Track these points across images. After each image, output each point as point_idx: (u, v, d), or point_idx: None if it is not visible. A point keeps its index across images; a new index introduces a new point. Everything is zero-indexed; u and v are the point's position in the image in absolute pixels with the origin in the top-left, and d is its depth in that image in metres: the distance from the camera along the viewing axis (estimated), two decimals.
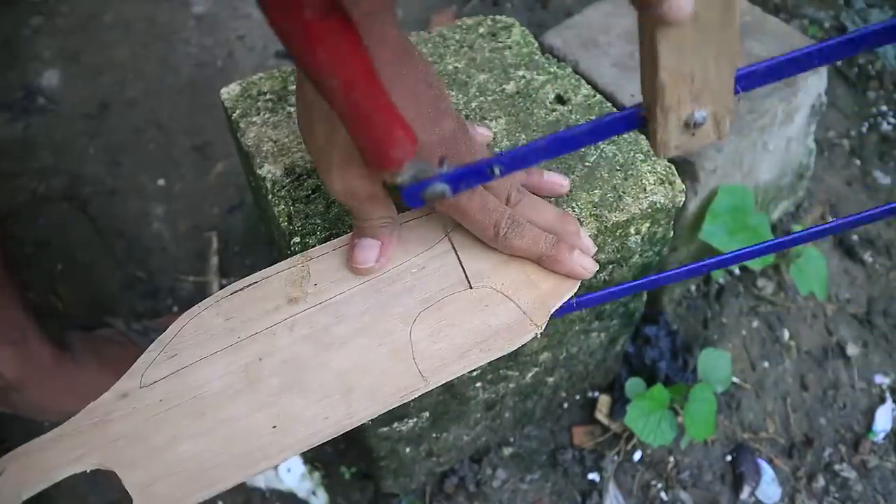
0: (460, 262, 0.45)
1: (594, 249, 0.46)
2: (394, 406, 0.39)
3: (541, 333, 0.42)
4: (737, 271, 0.93)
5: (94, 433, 0.39)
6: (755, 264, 0.79)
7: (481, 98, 0.59)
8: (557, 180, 0.51)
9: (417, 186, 0.36)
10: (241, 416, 0.38)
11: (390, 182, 0.36)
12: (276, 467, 0.79)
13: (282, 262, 0.45)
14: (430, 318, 0.43)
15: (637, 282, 0.47)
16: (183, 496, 0.36)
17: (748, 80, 0.30)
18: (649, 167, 0.53)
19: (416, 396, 0.40)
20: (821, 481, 0.79)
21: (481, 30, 0.65)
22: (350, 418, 0.38)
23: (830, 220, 0.98)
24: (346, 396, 0.39)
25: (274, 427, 0.38)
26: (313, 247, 0.47)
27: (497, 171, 0.35)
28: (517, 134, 0.56)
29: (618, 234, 0.52)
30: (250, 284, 0.44)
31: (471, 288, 0.44)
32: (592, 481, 0.78)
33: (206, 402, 0.39)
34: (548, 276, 0.44)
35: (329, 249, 0.46)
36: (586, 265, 0.44)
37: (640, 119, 0.32)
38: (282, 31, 0.29)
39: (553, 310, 0.43)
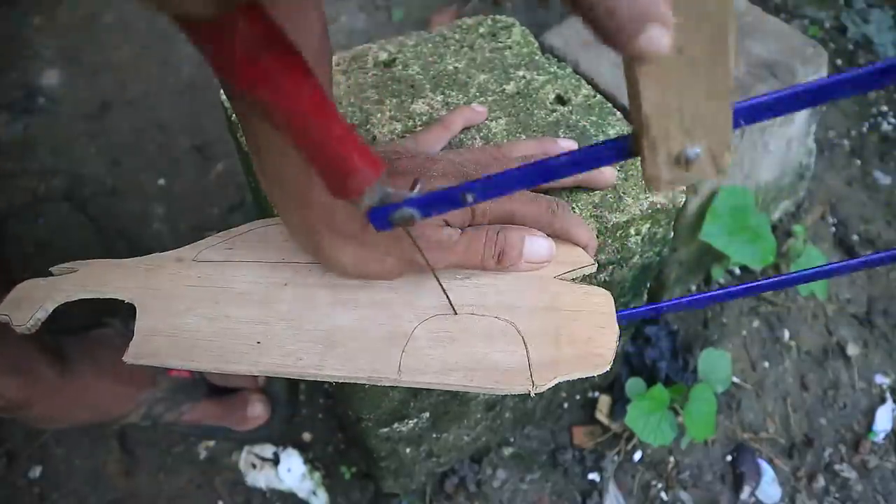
0: (498, 290, 0.44)
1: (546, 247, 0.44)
2: (358, 381, 0.41)
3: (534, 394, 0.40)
4: (737, 271, 0.93)
5: (143, 276, 0.45)
6: (755, 263, 0.79)
7: (481, 98, 0.59)
8: (569, 144, 0.52)
9: (384, 209, 0.34)
10: (241, 320, 0.42)
11: (357, 207, 0.34)
12: (276, 464, 0.79)
13: None
14: (441, 324, 0.42)
15: (673, 301, 0.46)
16: (167, 356, 0.41)
17: (750, 114, 0.28)
18: None
19: (382, 385, 0.41)
20: (821, 481, 0.79)
21: (481, 30, 0.65)
22: (318, 370, 0.41)
23: (831, 219, 0.98)
24: (325, 350, 0.41)
25: (258, 343, 0.41)
26: None
27: (470, 198, 0.33)
28: (517, 134, 0.56)
29: (618, 234, 0.52)
30: None
31: (496, 318, 0.42)
32: (592, 481, 0.78)
33: (225, 295, 0.44)
34: (575, 342, 0.41)
35: None
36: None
37: (628, 150, 0.29)
38: (219, 70, 0.28)
39: (558, 381, 0.40)
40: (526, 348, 0.41)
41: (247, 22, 0.26)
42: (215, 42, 0.27)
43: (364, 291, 0.44)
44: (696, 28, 0.24)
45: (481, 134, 0.56)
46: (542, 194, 0.47)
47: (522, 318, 0.42)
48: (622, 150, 0.29)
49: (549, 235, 0.45)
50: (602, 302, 0.43)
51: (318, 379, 0.42)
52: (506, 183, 0.33)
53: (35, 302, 0.45)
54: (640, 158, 0.29)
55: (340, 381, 0.42)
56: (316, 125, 0.30)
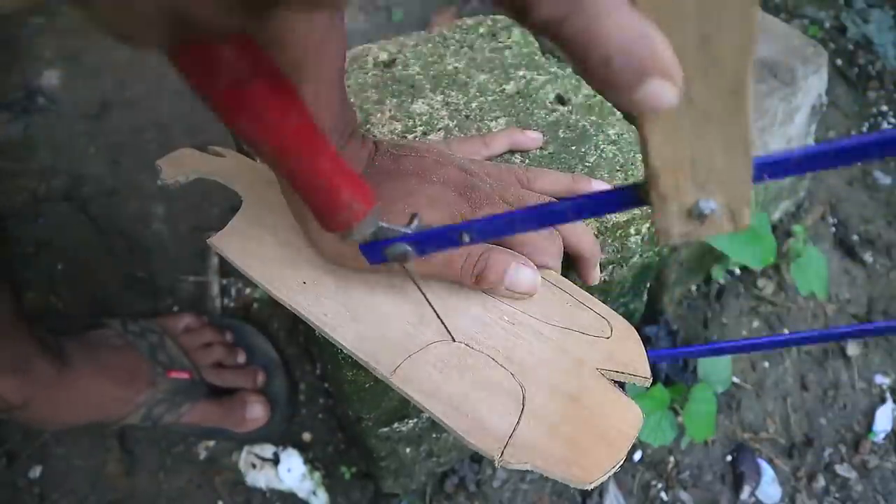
0: (531, 350, 0.41)
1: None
2: (357, 360, 0.42)
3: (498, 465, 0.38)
4: (737, 271, 0.93)
5: (265, 184, 0.49)
6: (755, 263, 0.79)
7: (481, 98, 0.59)
8: (605, 189, 0.50)
9: (377, 245, 0.33)
10: (302, 258, 0.45)
11: (347, 239, 0.32)
12: (276, 464, 0.79)
13: None
14: (458, 352, 0.41)
15: (704, 346, 0.46)
16: (236, 253, 0.46)
17: (775, 169, 0.25)
18: None
19: (375, 374, 0.42)
20: (821, 481, 0.79)
21: (481, 30, 0.65)
22: (332, 331, 0.43)
23: (831, 219, 0.98)
24: (349, 320, 0.43)
25: (304, 283, 0.45)
26: None
27: (467, 238, 0.32)
28: None
29: (618, 234, 0.52)
30: None
31: (512, 375, 0.41)
32: None
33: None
34: (571, 444, 0.38)
35: None
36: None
37: (638, 199, 0.27)
38: (202, 97, 0.26)
39: (529, 469, 0.38)
40: (519, 421, 0.39)
41: (233, 51, 0.24)
42: (198, 72, 0.25)
43: (413, 286, 0.43)
44: (710, 79, 0.22)
45: (480, 134, 0.56)
46: None
47: (537, 391, 0.40)
48: (632, 198, 0.27)
49: (549, 254, 0.44)
50: (628, 419, 0.39)
51: (328, 338, 0.43)
52: (505, 227, 0.31)
53: (184, 167, 0.51)
54: (651, 211, 0.27)
55: (344, 349, 0.43)
56: (304, 159, 0.28)
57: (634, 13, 0.19)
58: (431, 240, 0.33)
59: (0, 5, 0.23)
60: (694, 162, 0.24)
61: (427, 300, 0.40)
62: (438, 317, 0.41)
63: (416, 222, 0.33)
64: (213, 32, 0.21)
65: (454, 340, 0.42)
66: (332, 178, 0.29)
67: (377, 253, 0.34)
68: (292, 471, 0.79)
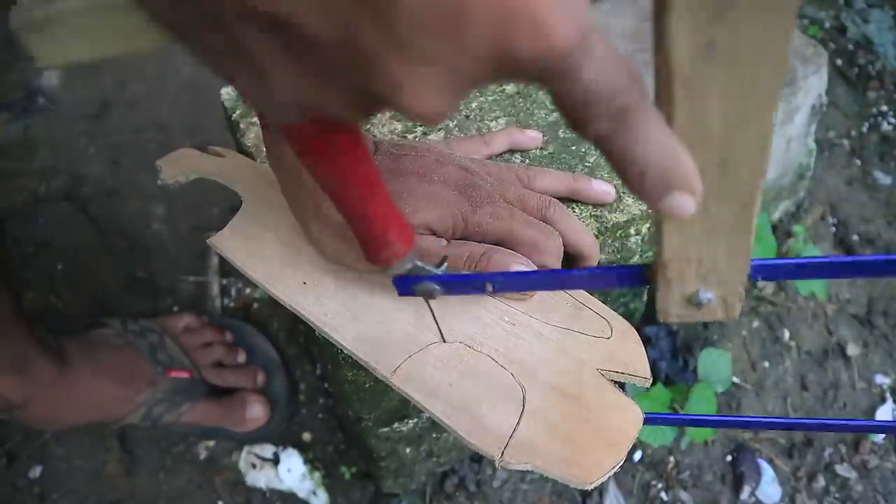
0: (532, 351, 0.42)
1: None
2: (357, 360, 0.42)
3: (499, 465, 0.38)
4: None
5: (266, 184, 0.49)
6: None
7: (481, 98, 0.59)
8: (606, 188, 0.50)
9: (408, 278, 0.36)
10: (302, 258, 0.45)
11: (385, 274, 0.36)
12: (276, 464, 0.79)
13: None
14: (459, 353, 0.41)
15: (720, 418, 0.49)
16: (236, 251, 0.46)
17: (770, 273, 0.29)
18: None
19: (375, 374, 0.42)
20: (821, 481, 0.79)
21: None
22: (332, 331, 0.43)
23: (831, 219, 0.98)
24: (349, 320, 0.43)
25: (304, 283, 0.45)
26: None
27: (490, 287, 0.35)
28: None
29: (618, 234, 0.52)
30: None
31: (512, 375, 0.41)
32: None
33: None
34: (570, 443, 0.38)
35: None
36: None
37: (644, 279, 0.30)
38: (288, 140, 0.29)
39: (529, 468, 0.38)
40: (519, 421, 0.39)
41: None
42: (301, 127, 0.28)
43: None
44: (724, 195, 0.25)
45: (480, 134, 0.56)
46: (541, 221, 0.45)
47: (537, 390, 0.40)
48: (639, 277, 0.30)
49: (550, 254, 0.44)
50: (628, 419, 0.39)
51: (328, 338, 0.43)
52: (525, 282, 0.35)
53: (184, 167, 0.51)
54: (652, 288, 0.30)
55: (344, 349, 0.43)
56: (362, 199, 0.31)
57: (668, 132, 0.23)
58: (458, 284, 0.36)
59: (103, 53, 0.26)
60: (700, 260, 0.28)
61: (427, 303, 0.40)
62: (435, 320, 0.41)
63: (444, 265, 0.36)
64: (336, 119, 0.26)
65: (444, 341, 0.42)
66: (385, 219, 0.32)
67: (407, 286, 0.36)
68: (292, 471, 0.79)
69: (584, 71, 0.21)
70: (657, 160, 0.23)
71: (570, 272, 0.34)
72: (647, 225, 0.53)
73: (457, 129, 0.57)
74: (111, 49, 0.24)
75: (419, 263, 0.35)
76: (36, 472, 0.79)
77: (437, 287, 0.36)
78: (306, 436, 0.83)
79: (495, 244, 0.43)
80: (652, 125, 0.23)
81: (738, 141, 0.23)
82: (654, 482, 0.79)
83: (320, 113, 0.24)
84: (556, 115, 0.58)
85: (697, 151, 0.23)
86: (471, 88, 0.22)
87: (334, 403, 0.83)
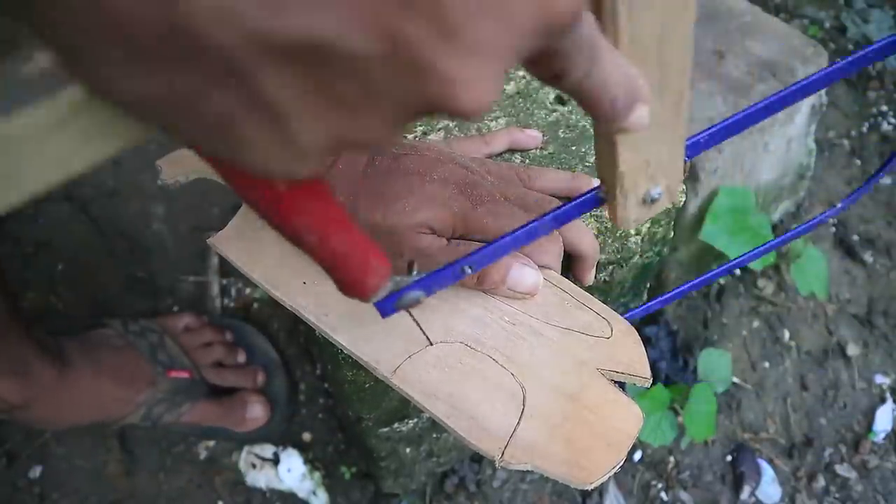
0: (532, 351, 0.42)
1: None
2: (357, 359, 0.42)
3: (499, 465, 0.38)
4: (737, 271, 0.93)
5: None
6: (756, 264, 0.79)
7: None
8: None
9: (389, 299, 0.35)
10: (303, 261, 0.44)
11: (366, 302, 0.34)
12: (276, 464, 0.79)
13: None
14: (460, 353, 0.41)
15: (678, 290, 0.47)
16: (238, 254, 0.46)
17: (693, 150, 0.34)
18: None
19: (375, 374, 0.42)
20: (821, 481, 0.79)
21: None
22: (332, 331, 0.43)
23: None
24: (347, 321, 0.43)
25: (304, 283, 0.45)
26: None
27: (469, 269, 0.35)
28: None
29: (618, 234, 0.52)
30: None
31: (512, 375, 0.40)
32: None
33: None
34: (570, 443, 0.38)
35: None
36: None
37: (599, 200, 0.34)
38: (251, 202, 0.26)
39: (529, 469, 0.38)
40: (519, 421, 0.39)
41: None
42: (257, 182, 0.26)
43: None
44: (664, 98, 0.29)
45: (480, 133, 0.56)
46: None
47: (537, 390, 0.40)
48: (595, 201, 0.35)
49: (550, 254, 0.44)
50: (628, 419, 0.39)
51: (328, 338, 0.43)
52: (497, 252, 0.36)
53: (184, 167, 0.50)
54: (610, 206, 0.33)
55: (344, 350, 0.42)
56: (340, 241, 0.29)
57: (622, 58, 0.25)
58: (437, 280, 0.36)
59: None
60: (648, 161, 0.31)
61: (410, 313, 0.40)
62: (416, 322, 0.41)
63: (415, 270, 0.35)
64: (365, 149, 0.22)
65: (431, 344, 0.41)
66: (363, 249, 0.30)
67: (390, 305, 0.35)
68: (292, 471, 0.79)
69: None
70: (623, 83, 0.25)
71: (537, 221, 0.35)
72: (648, 225, 0.53)
73: (457, 128, 0.57)
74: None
75: (397, 278, 0.34)
76: (36, 472, 0.80)
77: (420, 292, 0.35)
78: (306, 436, 0.83)
79: None
80: (611, 55, 0.25)
81: (667, 49, 0.27)
82: (654, 482, 0.79)
83: (352, 146, 0.21)
84: (556, 115, 0.58)
85: (639, 65, 0.26)
86: (509, 70, 0.22)
87: (334, 403, 0.83)
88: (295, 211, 0.27)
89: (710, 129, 0.34)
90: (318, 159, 0.21)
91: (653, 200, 0.33)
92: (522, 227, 0.35)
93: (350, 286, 0.32)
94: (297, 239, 0.29)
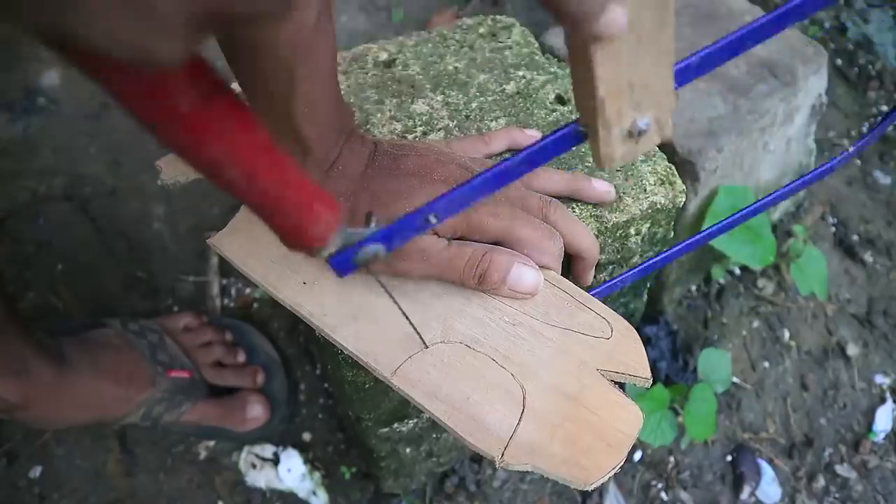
0: (533, 351, 0.41)
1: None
2: (357, 360, 0.42)
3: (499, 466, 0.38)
4: (737, 271, 0.93)
5: None
6: (755, 263, 0.79)
7: (481, 98, 0.59)
8: (606, 188, 0.50)
9: (346, 254, 0.32)
10: (302, 260, 0.45)
11: (316, 256, 0.30)
12: (276, 464, 0.79)
13: None
14: (459, 353, 0.41)
15: (646, 263, 0.46)
16: (236, 249, 0.46)
17: (684, 75, 0.29)
18: (650, 168, 0.53)
19: (375, 374, 0.42)
20: (821, 481, 0.79)
21: (481, 30, 0.65)
22: (332, 331, 0.43)
23: (831, 219, 0.98)
24: (348, 320, 0.43)
25: (304, 283, 0.45)
26: None
27: (433, 219, 0.32)
28: None
29: (618, 234, 0.52)
30: None
31: (512, 376, 0.40)
32: None
33: None
34: (571, 444, 0.38)
35: None
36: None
37: (579, 135, 0.30)
38: (155, 128, 0.24)
39: (530, 469, 0.38)
40: (519, 421, 0.39)
41: (191, 74, 0.23)
42: (156, 100, 0.23)
43: (412, 285, 0.44)
44: (643, 2, 0.25)
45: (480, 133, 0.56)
46: (542, 221, 0.45)
47: (537, 391, 0.40)
48: (573, 137, 0.30)
49: (550, 254, 0.44)
50: (628, 420, 0.39)
51: (328, 338, 0.43)
52: (469, 194, 0.32)
53: (184, 167, 0.48)
54: (592, 142, 0.29)
55: (344, 350, 0.43)
56: (271, 178, 0.26)
57: None
58: (399, 231, 0.32)
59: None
60: (632, 84, 0.27)
61: (399, 307, 0.40)
62: (410, 323, 0.41)
63: (373, 221, 0.32)
64: (239, 23, 0.19)
65: (427, 347, 0.41)
66: (303, 190, 0.27)
67: (346, 262, 0.32)
68: (292, 471, 0.79)
69: None
70: None
71: (507, 162, 0.31)
72: (648, 225, 0.53)
73: (457, 129, 0.57)
74: None
75: (350, 230, 0.31)
76: (36, 472, 0.79)
77: (380, 246, 0.32)
78: (306, 436, 0.83)
79: (495, 243, 0.43)
80: None
81: None
82: (654, 482, 0.79)
83: (221, 16, 0.18)
84: (555, 114, 0.58)
85: None
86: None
87: (334, 403, 0.83)
88: (206, 138, 0.24)
89: (702, 50, 0.29)
90: (181, 34, 0.17)
91: (640, 133, 0.29)
92: (492, 167, 0.31)
93: (290, 234, 0.28)
94: (219, 175, 0.25)
